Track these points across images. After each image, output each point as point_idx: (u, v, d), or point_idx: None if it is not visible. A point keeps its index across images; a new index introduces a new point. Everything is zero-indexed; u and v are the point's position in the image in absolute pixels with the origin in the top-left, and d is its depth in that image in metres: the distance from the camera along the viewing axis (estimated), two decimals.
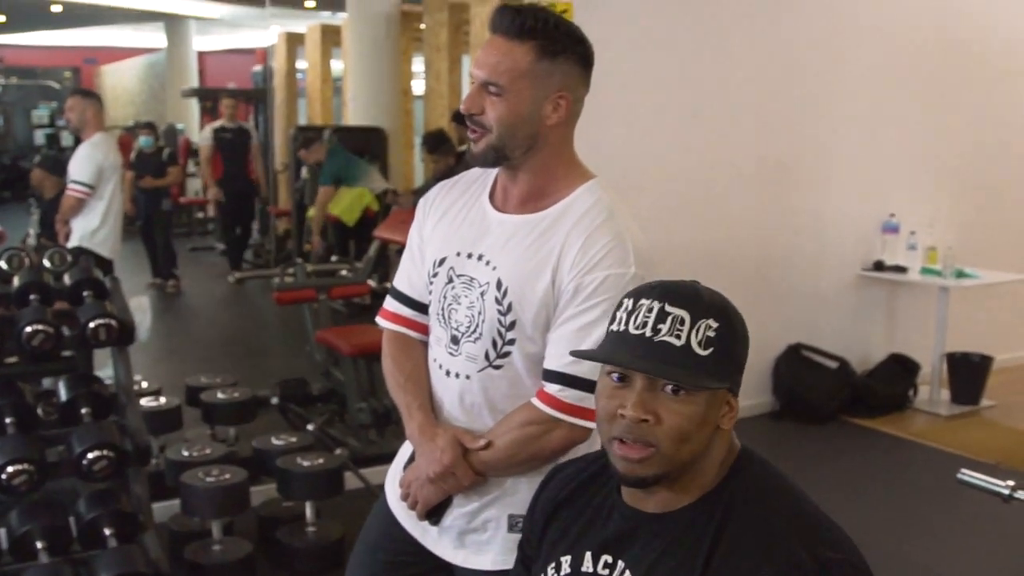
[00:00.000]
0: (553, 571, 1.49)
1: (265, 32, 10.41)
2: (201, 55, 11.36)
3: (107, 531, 2.97)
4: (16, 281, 3.34)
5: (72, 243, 4.99)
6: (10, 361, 3.34)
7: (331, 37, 9.64)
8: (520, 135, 1.81)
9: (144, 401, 4.14)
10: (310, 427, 4.25)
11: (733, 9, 5.31)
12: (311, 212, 7.57)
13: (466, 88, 1.97)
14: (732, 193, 5.41)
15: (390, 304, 2.07)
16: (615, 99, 4.88)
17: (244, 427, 4.32)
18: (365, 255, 5.64)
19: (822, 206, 5.76)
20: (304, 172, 7.95)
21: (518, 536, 1.80)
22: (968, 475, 2.07)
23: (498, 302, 1.83)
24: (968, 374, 5.88)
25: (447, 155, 6.62)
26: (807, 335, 5.72)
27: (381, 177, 7.57)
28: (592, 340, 1.74)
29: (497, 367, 1.86)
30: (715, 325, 1.32)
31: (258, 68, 11.07)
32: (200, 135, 9.16)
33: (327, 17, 9.94)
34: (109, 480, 3.08)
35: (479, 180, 1.98)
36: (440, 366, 1.94)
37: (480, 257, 1.87)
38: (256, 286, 7.86)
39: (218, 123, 8.55)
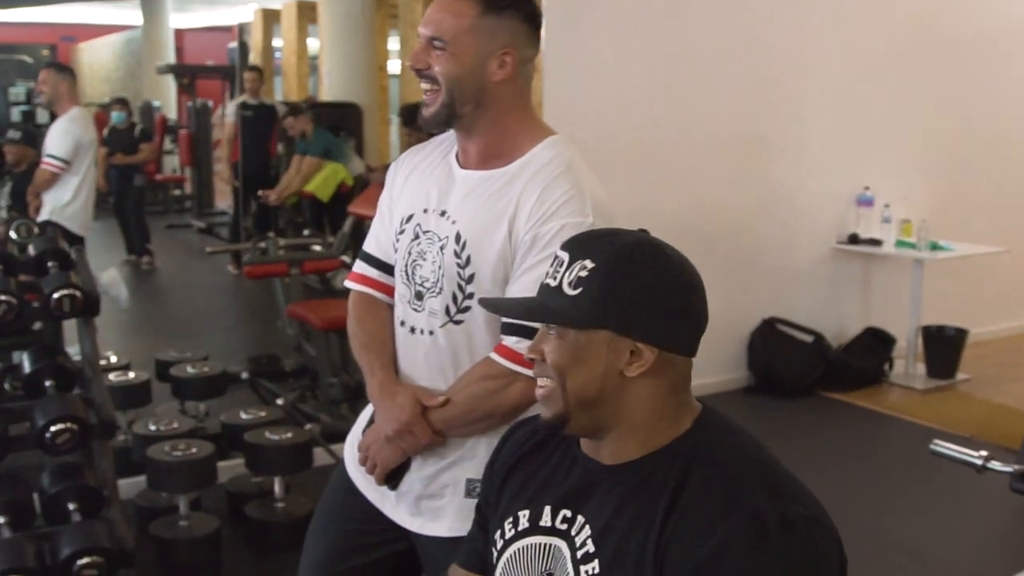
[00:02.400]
0: (510, 526, 1.47)
1: (243, 9, 10.32)
2: (178, 32, 11.23)
3: (71, 506, 2.94)
4: None
5: (42, 217, 4.95)
6: None
7: (307, 14, 9.57)
8: (467, 91, 1.81)
9: (113, 376, 4.11)
10: (280, 402, 4.24)
11: None
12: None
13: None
14: (705, 167, 5.39)
15: (358, 266, 2.06)
16: (585, 72, 4.86)
17: (215, 403, 4.30)
18: (339, 230, 5.61)
19: (796, 179, 5.75)
20: (279, 147, 7.87)
21: (475, 501, 1.80)
22: (941, 446, 2.06)
23: (457, 255, 1.83)
24: (943, 347, 5.90)
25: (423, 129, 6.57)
26: (782, 309, 5.72)
27: (358, 158, 7.51)
28: None
29: (457, 322, 1.86)
30: (589, 265, 1.33)
31: (233, 45, 10.97)
32: (224, 112, 8.96)
33: None
34: (73, 453, 3.06)
35: (447, 141, 1.98)
36: (403, 323, 1.94)
37: (443, 213, 1.88)
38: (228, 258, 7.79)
39: (240, 99, 8.35)
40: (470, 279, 1.82)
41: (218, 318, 6.82)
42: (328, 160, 7.28)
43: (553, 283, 1.36)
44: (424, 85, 1.83)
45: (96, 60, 10.91)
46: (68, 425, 3.02)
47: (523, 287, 1.77)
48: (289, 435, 3.64)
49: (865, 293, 6.17)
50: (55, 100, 5.09)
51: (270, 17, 9.98)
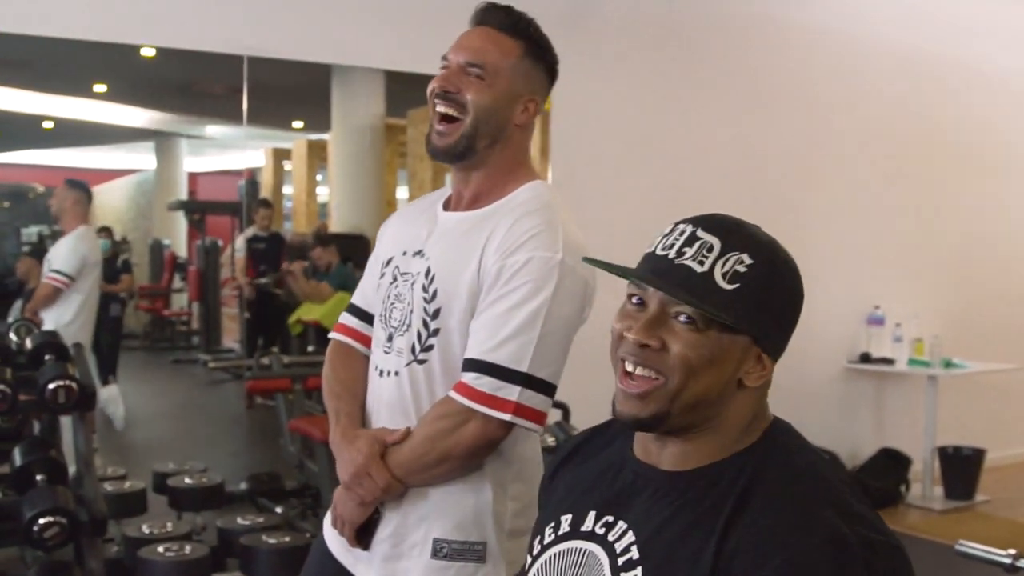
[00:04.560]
0: (551, 531, 1.34)
1: (255, 153, 10.54)
2: (192, 176, 11.50)
3: None
4: None
5: None
6: None
7: (317, 152, 9.78)
8: (492, 125, 1.80)
9: (108, 485, 4.00)
10: (279, 510, 4.11)
11: (713, 99, 5.39)
12: (293, 318, 7.51)
13: None
14: None
15: (343, 318, 2.04)
16: (590, 177, 4.91)
17: (213, 516, 4.17)
18: None
19: (805, 297, 5.71)
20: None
21: (443, 563, 1.71)
22: (967, 546, 2.02)
23: (424, 289, 1.79)
24: (961, 468, 5.76)
25: None
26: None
27: None
28: (514, 325, 1.69)
29: (421, 361, 1.80)
30: (748, 261, 1.19)
31: (242, 182, 11.21)
32: (236, 246, 9.05)
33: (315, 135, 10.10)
34: (60, 548, 2.94)
35: (439, 194, 1.97)
36: (376, 367, 1.89)
37: (418, 252, 1.85)
38: (237, 392, 7.73)
39: (250, 232, 8.43)
40: (435, 314, 1.78)
41: (221, 444, 6.71)
42: (341, 291, 7.33)
43: (699, 268, 1.19)
44: (445, 110, 1.79)
45: (108, 202, 11.11)
46: (57, 519, 2.92)
47: (487, 320, 1.72)
48: (287, 539, 3.51)
49: (879, 413, 6.07)
50: (61, 214, 5.13)
51: (280, 155, 10.22)
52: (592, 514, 1.30)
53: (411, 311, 1.80)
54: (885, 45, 6.02)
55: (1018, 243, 6.72)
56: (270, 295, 8.11)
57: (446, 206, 1.91)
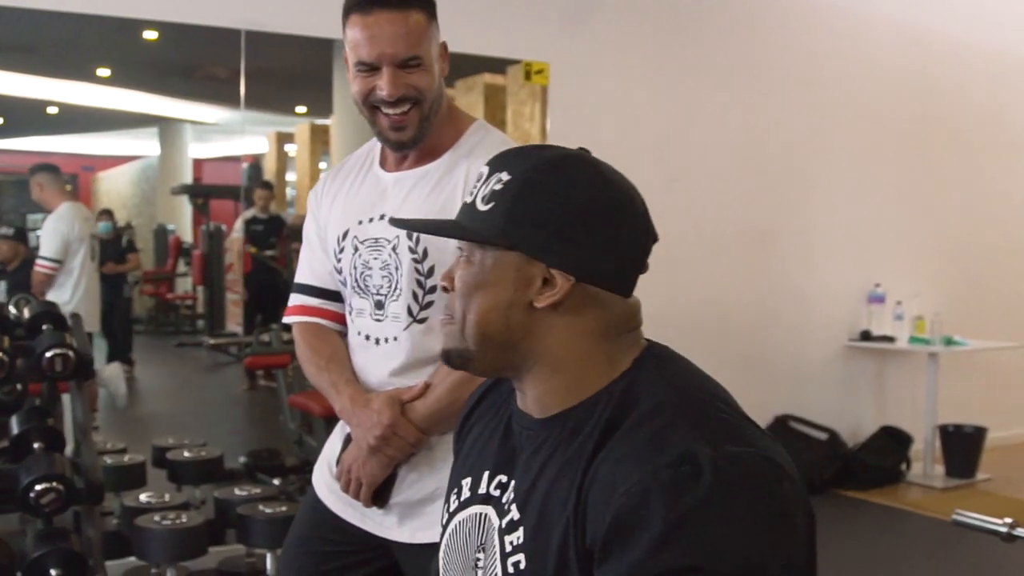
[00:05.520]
0: (455, 498, 1.31)
1: (258, 138, 10.56)
2: (197, 162, 11.52)
3: (53, 572, 2.83)
4: None
5: None
6: None
7: (319, 136, 9.81)
8: (437, 97, 1.82)
9: (108, 458, 4.02)
10: (276, 482, 4.13)
11: (714, 77, 5.38)
12: None
13: None
14: (714, 261, 5.37)
15: (295, 299, 2.02)
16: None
17: (211, 490, 4.19)
18: None
19: (805, 276, 5.72)
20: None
21: None
22: (964, 516, 2.01)
23: (412, 251, 1.80)
24: (962, 446, 5.76)
25: None
26: (794, 406, 5.61)
27: None
28: None
29: (421, 320, 1.82)
30: (505, 178, 1.15)
31: (245, 166, 11.24)
32: (234, 229, 9.06)
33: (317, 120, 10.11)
34: (58, 515, 2.96)
35: (366, 156, 1.97)
36: (367, 337, 1.88)
37: (382, 216, 1.85)
38: (239, 374, 7.75)
39: (249, 213, 8.42)
40: (430, 272, 1.79)
41: (221, 423, 6.74)
42: None
43: (469, 199, 1.19)
44: (399, 110, 1.77)
45: (113, 187, 11.16)
46: (54, 485, 2.94)
47: None
48: (284, 509, 3.52)
49: (879, 391, 6.07)
50: (42, 200, 5.16)
51: (283, 140, 10.26)
52: (486, 474, 1.27)
53: (400, 275, 1.81)
54: (889, 23, 6.01)
55: (1020, 221, 6.71)
56: (270, 272, 8.10)
57: (383, 166, 1.91)
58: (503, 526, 1.18)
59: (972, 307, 6.24)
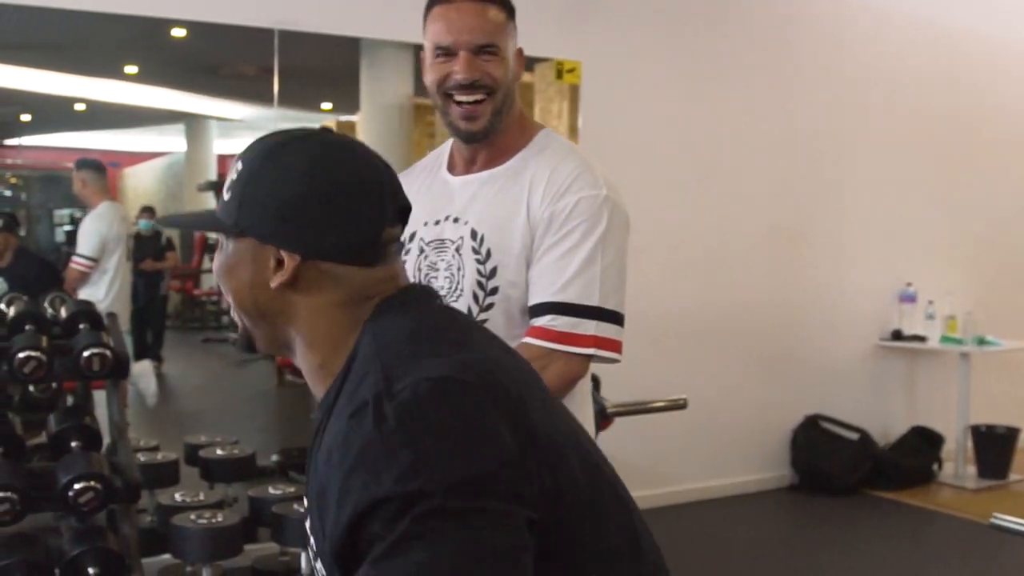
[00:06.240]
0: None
1: None
2: (222, 158, 11.56)
3: (91, 570, 2.84)
4: (12, 312, 3.29)
5: None
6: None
7: (345, 132, 9.81)
8: (511, 93, 1.85)
9: (141, 456, 4.03)
10: None
11: (746, 78, 5.35)
12: None
13: None
14: (743, 260, 5.35)
15: None
16: (620, 159, 4.87)
17: (244, 488, 4.19)
18: None
19: (837, 275, 5.69)
20: None
21: None
22: (1002, 519, 2.00)
23: (475, 251, 1.82)
24: (994, 446, 5.72)
25: None
26: (825, 406, 5.59)
27: None
28: (576, 264, 1.73)
29: (482, 323, 1.81)
30: (239, 167, 1.19)
31: None
32: None
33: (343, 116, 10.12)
34: (95, 514, 2.96)
35: (434, 160, 2.00)
36: None
37: (447, 218, 1.87)
38: (267, 370, 7.78)
39: None
40: (492, 273, 1.81)
41: (250, 420, 6.76)
42: None
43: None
44: (473, 97, 1.81)
45: (139, 184, 11.20)
46: (92, 484, 2.94)
47: (549, 264, 1.75)
48: None
49: (911, 391, 6.03)
50: (82, 196, 5.16)
51: None
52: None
53: (462, 275, 1.82)
54: (920, 22, 5.96)
55: None
56: None
57: (451, 170, 1.93)
58: (312, 545, 1.18)
59: (1005, 306, 6.19)
